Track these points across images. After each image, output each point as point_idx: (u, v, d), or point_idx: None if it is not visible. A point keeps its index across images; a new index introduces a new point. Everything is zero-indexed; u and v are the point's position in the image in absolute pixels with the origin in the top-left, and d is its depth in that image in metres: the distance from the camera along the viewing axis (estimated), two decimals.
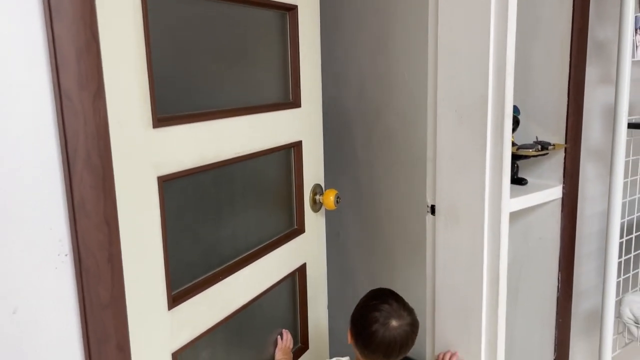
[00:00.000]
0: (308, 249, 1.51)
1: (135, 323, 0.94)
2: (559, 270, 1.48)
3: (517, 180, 1.46)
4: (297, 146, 1.41)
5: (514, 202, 1.33)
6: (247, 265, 1.26)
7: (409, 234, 1.74)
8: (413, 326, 1.17)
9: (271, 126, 1.31)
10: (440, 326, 1.46)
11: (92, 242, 0.82)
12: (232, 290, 1.22)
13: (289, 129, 1.37)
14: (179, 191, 1.07)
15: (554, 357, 1.53)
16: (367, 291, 1.25)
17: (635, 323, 1.42)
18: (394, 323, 1.15)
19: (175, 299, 1.06)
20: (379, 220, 1.85)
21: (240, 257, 1.27)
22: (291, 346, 1.47)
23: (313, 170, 1.49)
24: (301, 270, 1.49)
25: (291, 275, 1.46)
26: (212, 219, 1.18)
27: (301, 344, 1.56)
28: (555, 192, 1.45)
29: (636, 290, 1.54)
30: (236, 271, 1.22)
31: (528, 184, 1.47)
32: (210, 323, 1.16)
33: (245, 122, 1.22)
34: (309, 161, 1.46)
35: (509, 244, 1.38)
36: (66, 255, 0.81)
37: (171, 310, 1.04)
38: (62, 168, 0.80)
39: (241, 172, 1.26)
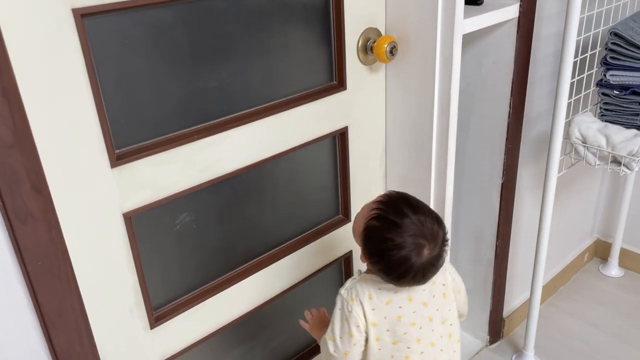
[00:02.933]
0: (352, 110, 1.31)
1: None
2: (511, 95, 1.44)
3: (472, 1, 1.35)
4: None
5: (468, 22, 1.24)
6: None
7: None
8: (445, 241, 0.97)
9: None
10: (390, 159, 1.44)
11: None
12: None
13: None
14: None
15: (501, 181, 1.56)
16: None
17: (583, 143, 1.43)
18: (426, 249, 0.93)
19: None
20: None
21: None
22: (326, 314, 1.22)
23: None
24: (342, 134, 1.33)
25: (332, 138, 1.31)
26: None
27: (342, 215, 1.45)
28: (511, 11, 1.35)
29: (586, 111, 1.53)
30: None
31: (484, 3, 1.36)
32: None
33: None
34: None
35: (462, 71, 1.31)
36: None
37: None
38: None
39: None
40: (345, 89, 1.28)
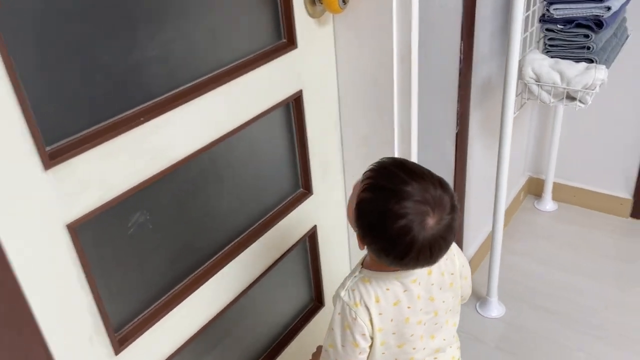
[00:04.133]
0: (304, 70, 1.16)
1: None
2: (462, 39, 1.37)
3: None
4: None
5: None
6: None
7: None
8: (453, 208, 0.81)
9: None
10: (346, 121, 1.33)
11: None
12: None
13: None
14: None
15: (456, 130, 1.51)
16: None
17: (536, 81, 1.40)
18: (431, 218, 0.79)
19: None
20: None
21: None
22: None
23: None
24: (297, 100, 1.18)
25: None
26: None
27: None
28: None
29: (533, 49, 1.50)
30: None
31: None
32: None
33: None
34: None
35: None
36: None
37: None
38: None
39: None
40: (295, 47, 1.13)
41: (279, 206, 1.26)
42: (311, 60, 1.19)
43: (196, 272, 1.07)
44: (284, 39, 1.12)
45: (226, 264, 1.11)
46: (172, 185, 0.97)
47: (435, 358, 0.98)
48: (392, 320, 0.89)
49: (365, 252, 0.91)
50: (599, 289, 1.84)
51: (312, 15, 1.15)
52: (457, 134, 1.51)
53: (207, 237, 1.09)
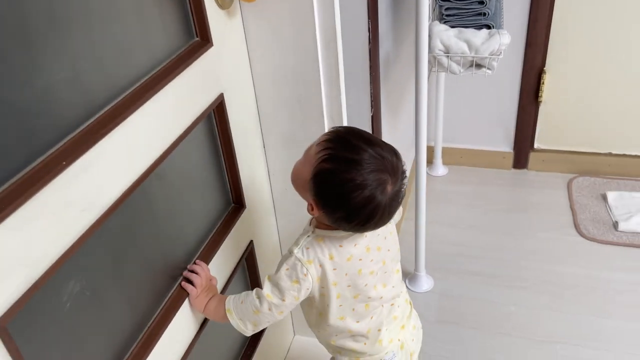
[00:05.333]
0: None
1: None
2: (369, 18, 1.30)
3: None
4: None
5: None
6: None
7: None
8: (404, 174, 0.86)
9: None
10: (267, 122, 1.20)
11: None
12: None
13: None
14: None
15: (371, 114, 1.45)
16: None
17: (445, 53, 1.38)
18: (389, 185, 0.83)
19: None
20: None
21: None
22: (213, 280, 1.03)
23: None
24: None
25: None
26: None
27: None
28: None
29: (435, 22, 1.48)
30: None
31: None
32: None
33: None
34: None
35: None
36: None
37: None
38: None
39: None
40: (211, 44, 0.97)
41: (216, 229, 1.09)
42: (227, 57, 1.04)
43: (145, 330, 0.88)
44: (197, 37, 0.96)
45: (175, 313, 0.94)
46: (106, 236, 0.77)
47: (392, 304, 1.02)
48: (346, 274, 0.92)
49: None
50: (507, 241, 1.95)
51: (221, 6, 0.99)
52: (372, 117, 1.45)
53: (150, 286, 0.90)
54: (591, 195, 2.12)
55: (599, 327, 1.60)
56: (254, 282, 1.29)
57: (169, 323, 0.91)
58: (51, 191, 0.64)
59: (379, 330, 1.00)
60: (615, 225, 1.94)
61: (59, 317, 0.70)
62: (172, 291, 0.96)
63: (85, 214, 0.70)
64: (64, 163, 0.65)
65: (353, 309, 0.96)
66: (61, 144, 0.66)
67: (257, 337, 1.32)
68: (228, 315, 0.95)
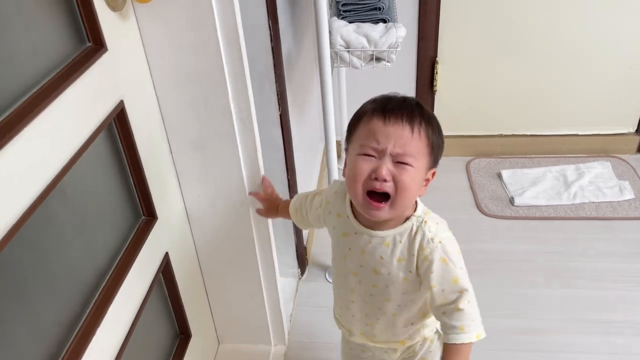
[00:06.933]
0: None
1: None
2: (268, 14, 1.29)
3: None
4: None
5: None
6: None
7: None
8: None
9: None
10: (172, 128, 1.15)
11: None
12: None
13: None
14: None
15: (279, 113, 1.44)
16: None
17: (346, 48, 1.40)
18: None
19: None
20: None
21: None
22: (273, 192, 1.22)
23: None
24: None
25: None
26: None
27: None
28: None
29: (334, 17, 1.50)
30: None
31: None
32: None
33: None
34: None
35: None
36: None
37: None
38: None
39: None
40: (105, 49, 0.91)
41: (125, 247, 1.03)
42: (124, 62, 0.98)
43: None
44: (90, 42, 0.89)
45: (89, 341, 0.87)
46: (4, 262, 0.70)
47: None
48: None
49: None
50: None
51: (113, 8, 0.93)
52: (280, 116, 1.44)
53: (59, 314, 0.83)
54: (488, 174, 2.26)
55: (521, 297, 1.70)
56: (172, 296, 1.23)
57: (84, 351, 0.85)
58: None
59: None
60: (511, 200, 2.08)
61: None
62: (84, 316, 0.89)
63: None
64: None
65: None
66: None
67: (182, 349, 1.27)
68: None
